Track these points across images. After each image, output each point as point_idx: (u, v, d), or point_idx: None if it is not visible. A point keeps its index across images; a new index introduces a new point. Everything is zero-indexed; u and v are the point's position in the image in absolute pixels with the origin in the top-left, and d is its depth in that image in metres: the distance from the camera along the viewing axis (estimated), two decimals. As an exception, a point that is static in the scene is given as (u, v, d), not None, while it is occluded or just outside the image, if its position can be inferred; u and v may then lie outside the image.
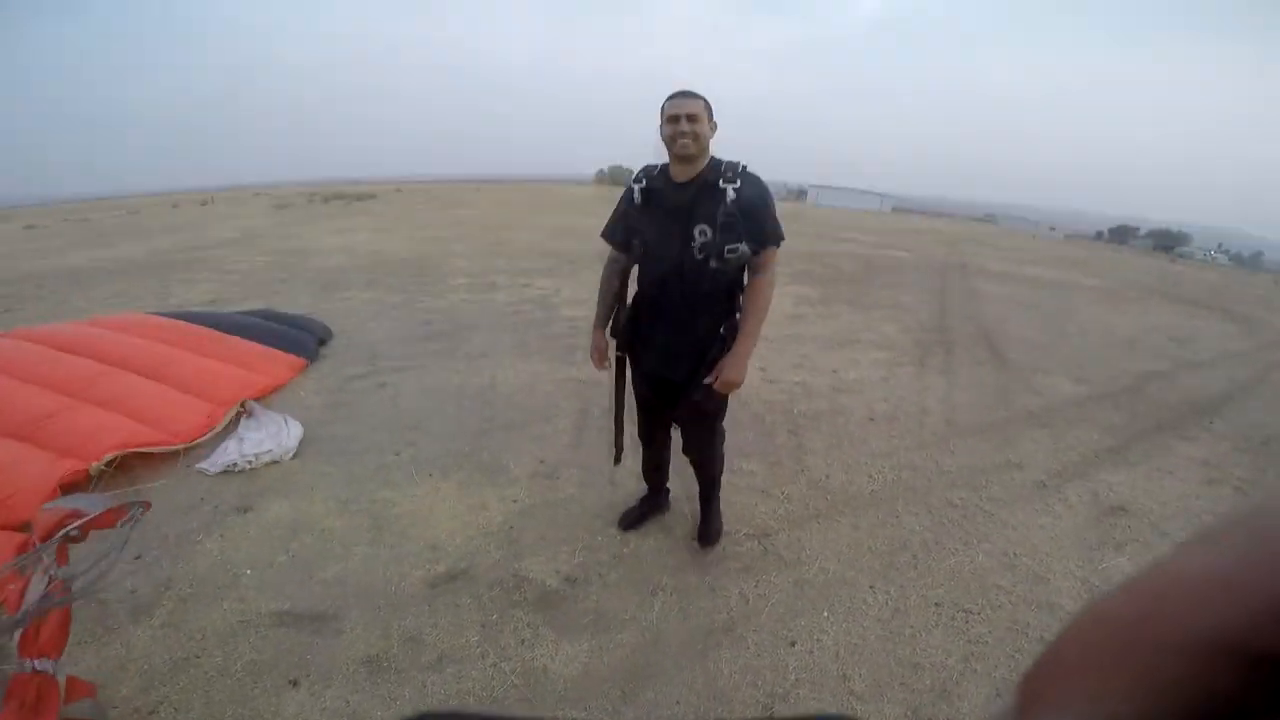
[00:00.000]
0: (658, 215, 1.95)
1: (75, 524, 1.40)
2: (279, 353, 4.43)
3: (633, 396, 2.31)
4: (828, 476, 3.19)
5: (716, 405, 2.10)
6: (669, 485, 2.74)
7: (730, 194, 1.82)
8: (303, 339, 4.77)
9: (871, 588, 2.39)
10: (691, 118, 1.82)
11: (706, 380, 1.89)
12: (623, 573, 2.38)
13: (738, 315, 1.96)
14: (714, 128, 1.89)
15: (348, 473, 3.07)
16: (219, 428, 3.39)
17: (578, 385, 4.21)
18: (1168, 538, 2.93)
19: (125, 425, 3.13)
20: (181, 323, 4.61)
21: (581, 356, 4.68)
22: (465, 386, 4.13)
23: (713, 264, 1.83)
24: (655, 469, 2.60)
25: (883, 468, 3.34)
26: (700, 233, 1.83)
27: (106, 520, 1.48)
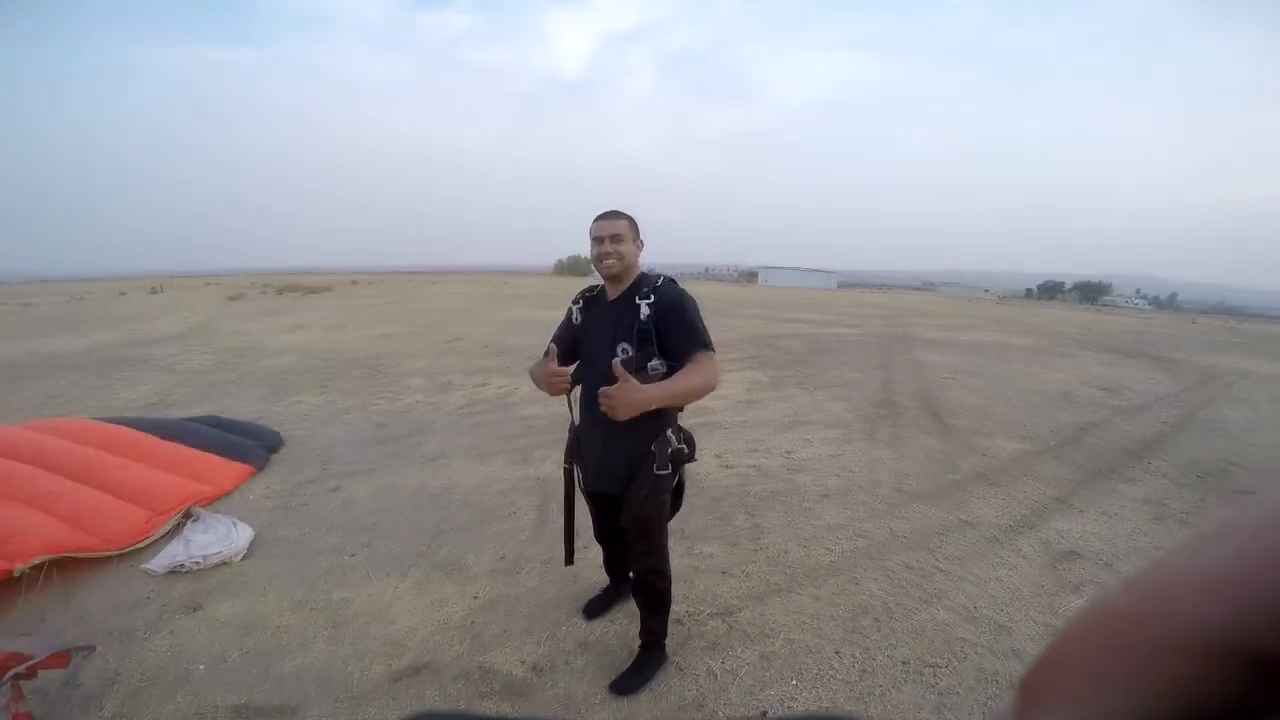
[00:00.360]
0: (591, 334, 2.00)
1: (21, 666, 1.37)
2: (225, 460, 4.32)
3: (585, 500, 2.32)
4: (786, 552, 3.24)
5: (654, 513, 2.00)
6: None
7: (644, 310, 1.82)
8: (250, 447, 4.65)
9: (837, 653, 2.42)
10: (615, 238, 1.89)
11: (600, 402, 1.74)
12: (590, 658, 2.35)
13: (669, 432, 1.94)
14: (640, 246, 1.97)
15: (301, 573, 3.00)
16: (158, 533, 3.30)
17: (535, 483, 4.19)
18: (1121, 577, 3.06)
19: (55, 527, 3.04)
20: (122, 428, 4.48)
21: (539, 454, 4.73)
22: (421, 489, 4.07)
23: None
24: (614, 563, 2.63)
25: (839, 539, 3.41)
26: (622, 350, 1.84)
27: (53, 663, 1.44)
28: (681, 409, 1.98)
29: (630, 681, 2.19)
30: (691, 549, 3.24)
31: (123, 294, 27.89)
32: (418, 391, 7.04)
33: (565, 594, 2.80)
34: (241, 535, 3.26)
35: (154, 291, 27.40)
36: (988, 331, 17.82)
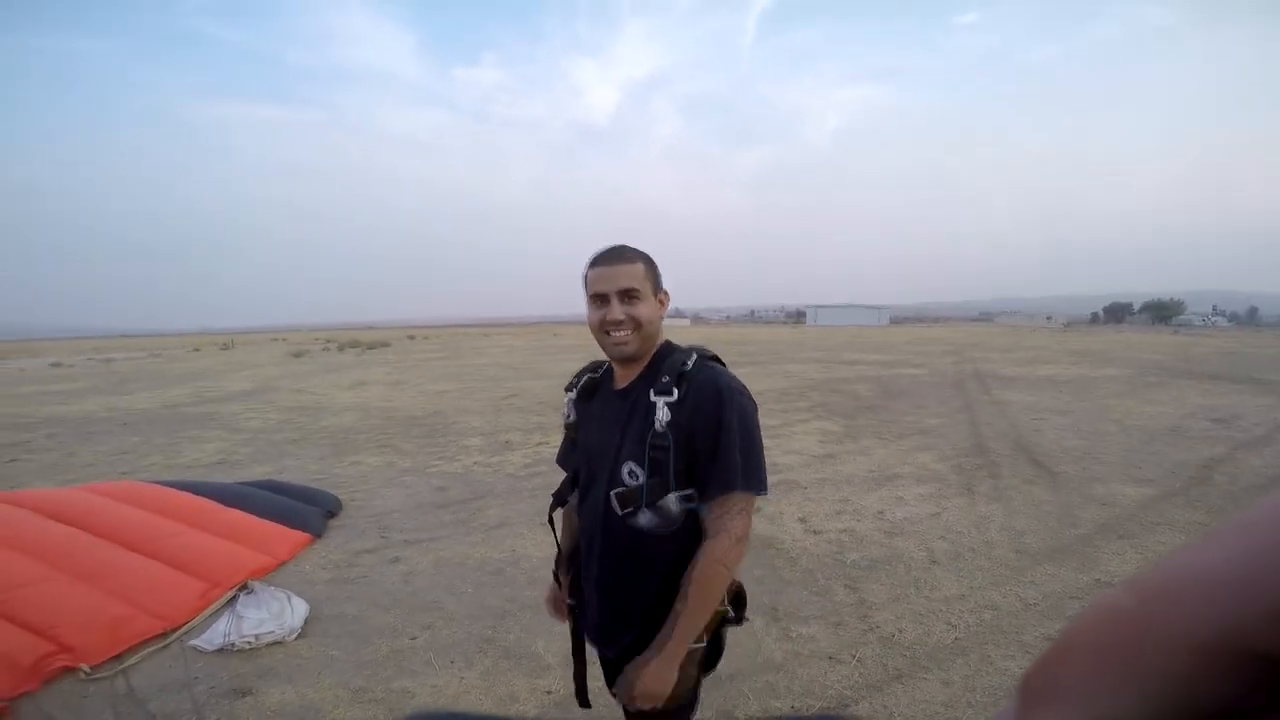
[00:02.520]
0: (590, 439, 1.34)
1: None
2: (283, 529, 4.17)
3: None
4: (900, 630, 2.80)
5: (675, 700, 1.18)
6: None
7: (662, 411, 1.14)
8: (309, 513, 4.51)
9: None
10: (628, 295, 1.20)
11: (613, 691, 1.24)
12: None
13: None
14: (664, 301, 1.28)
15: (358, 657, 2.75)
16: (214, 608, 3.14)
17: (605, 554, 3.86)
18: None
19: (109, 605, 2.94)
20: (182, 493, 4.40)
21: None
22: (485, 561, 3.79)
23: (643, 520, 1.16)
24: None
25: (960, 612, 2.96)
26: (629, 474, 1.18)
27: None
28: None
29: None
30: (788, 631, 2.83)
31: (196, 350, 29.37)
32: (476, 452, 6.84)
33: (650, 688, 2.43)
34: (297, 612, 3.05)
35: (225, 348, 28.75)
36: (1064, 364, 16.75)
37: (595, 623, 1.34)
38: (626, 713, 1.27)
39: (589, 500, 1.30)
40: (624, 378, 1.29)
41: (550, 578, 1.54)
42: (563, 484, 1.44)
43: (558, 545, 1.50)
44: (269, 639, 2.85)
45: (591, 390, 1.37)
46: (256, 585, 3.27)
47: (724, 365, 1.26)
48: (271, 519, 4.26)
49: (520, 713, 2.33)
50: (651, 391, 1.18)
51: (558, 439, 6.33)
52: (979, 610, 2.96)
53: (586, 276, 1.24)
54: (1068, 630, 0.19)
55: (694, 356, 1.22)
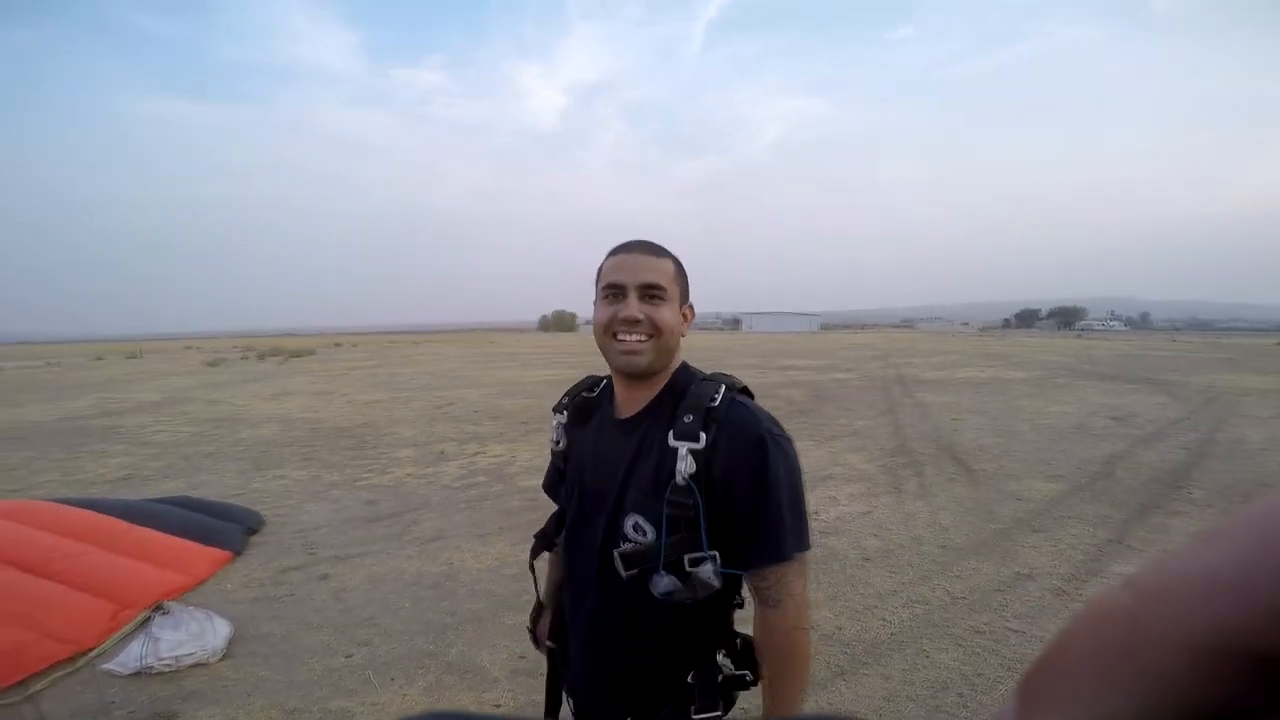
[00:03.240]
0: (582, 478, 1.09)
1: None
2: (199, 546, 3.93)
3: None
4: (839, 628, 2.89)
5: None
6: None
7: (686, 460, 0.91)
8: (227, 530, 4.26)
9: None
10: (650, 290, 0.98)
11: None
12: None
13: (723, 655, 1.00)
14: (688, 316, 1.07)
15: (290, 677, 2.61)
16: (125, 631, 2.94)
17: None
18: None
19: (7, 634, 2.70)
20: (84, 512, 4.07)
21: (550, 531, 4.33)
22: (421, 575, 3.66)
23: (660, 583, 0.91)
24: None
25: (894, 607, 3.08)
26: (635, 528, 0.96)
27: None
28: (739, 604, 1.05)
29: None
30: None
31: (100, 358, 27.22)
32: (409, 463, 6.60)
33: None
34: (219, 632, 2.88)
35: (132, 356, 26.73)
36: (981, 367, 17.76)
37: (581, 681, 1.13)
38: None
39: (581, 549, 1.08)
40: (629, 403, 1.05)
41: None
42: (549, 522, 1.23)
43: (537, 594, 1.29)
44: (190, 661, 2.68)
45: (585, 413, 1.14)
46: (172, 606, 3.07)
47: (754, 398, 1.02)
48: (186, 537, 4.00)
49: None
50: (671, 434, 0.94)
51: (494, 450, 6.15)
52: (911, 605, 3.08)
53: (602, 267, 1.03)
54: (1065, 630, 0.18)
55: (722, 389, 0.97)
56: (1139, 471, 5.64)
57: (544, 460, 4.67)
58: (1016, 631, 2.78)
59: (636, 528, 0.96)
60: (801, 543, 0.94)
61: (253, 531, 4.45)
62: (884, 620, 2.94)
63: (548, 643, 1.23)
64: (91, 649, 2.78)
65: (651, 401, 1.02)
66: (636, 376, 1.01)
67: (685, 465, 0.90)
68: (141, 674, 2.60)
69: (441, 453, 7.07)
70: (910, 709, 2.28)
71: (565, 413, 1.15)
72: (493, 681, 2.56)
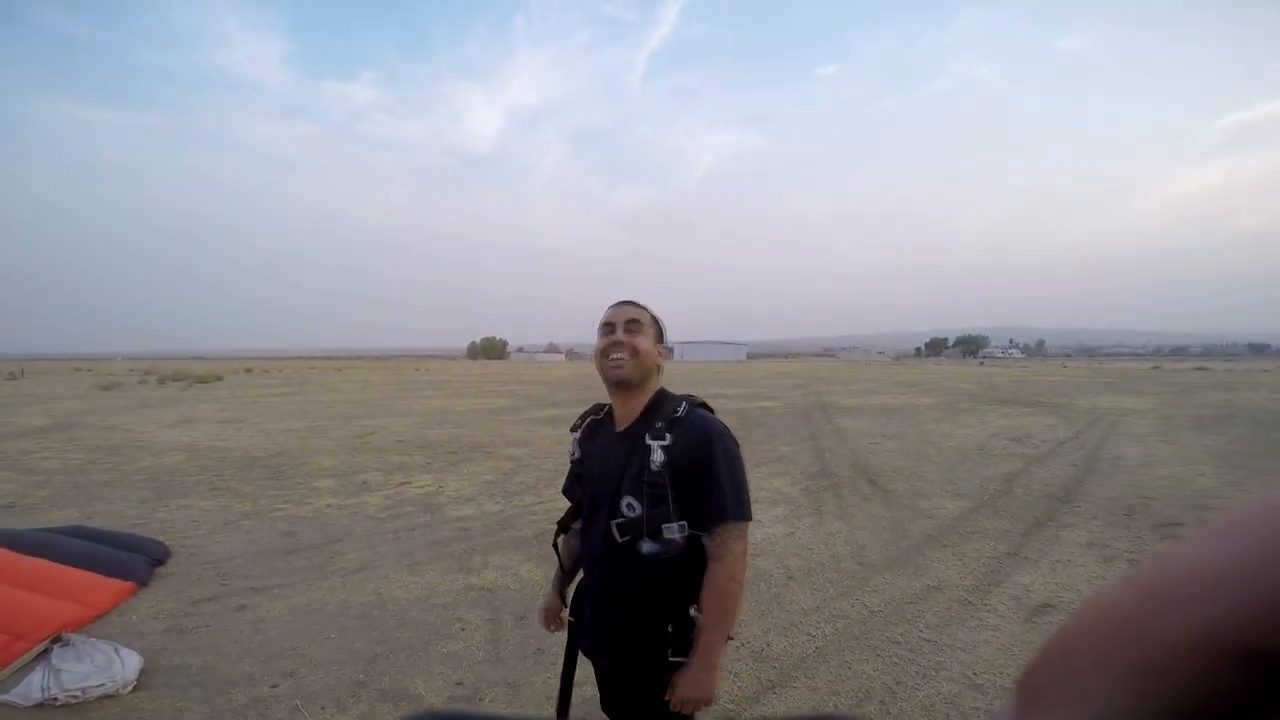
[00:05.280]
0: (593, 478, 1.46)
1: None
2: (99, 577, 3.68)
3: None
4: (768, 645, 3.01)
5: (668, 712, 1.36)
6: None
7: (657, 453, 1.30)
8: (130, 561, 3.99)
9: (816, 710, 2.28)
10: (631, 325, 1.39)
11: (667, 698, 1.33)
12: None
13: (692, 610, 1.33)
14: (663, 355, 1.47)
15: (212, 708, 2.49)
16: (20, 663, 2.75)
17: (481, 594, 3.72)
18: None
19: None
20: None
21: (479, 560, 4.26)
22: (347, 606, 3.54)
23: (645, 547, 1.30)
24: None
25: (817, 622, 3.23)
26: (627, 507, 1.33)
27: None
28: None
29: None
30: (666, 652, 2.96)
31: (-29, 379, 24.61)
32: (329, 494, 6.32)
33: None
34: (128, 663, 2.71)
35: (13, 376, 24.25)
36: (894, 394, 18.76)
37: (592, 636, 1.46)
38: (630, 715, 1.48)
39: (592, 529, 1.43)
40: (623, 419, 1.42)
41: (542, 597, 1.71)
42: (566, 513, 1.58)
43: (560, 566, 1.64)
44: (98, 692, 2.53)
45: (594, 431, 1.51)
46: (72, 637, 2.88)
47: (711, 410, 1.42)
48: (83, 567, 3.74)
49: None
50: (646, 435, 1.32)
51: (422, 480, 6.07)
52: (833, 620, 3.24)
53: (603, 316, 1.45)
54: (1064, 628, 0.19)
55: (684, 405, 1.36)
56: (1033, 488, 6.13)
57: (471, 490, 4.70)
58: (929, 641, 2.97)
59: (629, 505, 1.32)
60: (741, 512, 1.29)
61: (158, 562, 4.18)
62: (809, 635, 3.09)
63: (568, 617, 1.58)
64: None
65: (639, 416, 1.39)
66: (623, 386, 1.38)
67: (657, 456, 1.29)
68: (45, 705, 2.46)
69: (364, 483, 6.81)
70: (837, 718, 2.42)
71: (580, 432, 1.54)
72: (429, 709, 2.51)
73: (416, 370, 36.44)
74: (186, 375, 27.88)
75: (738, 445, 1.36)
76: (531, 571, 4.02)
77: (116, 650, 2.78)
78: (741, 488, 1.31)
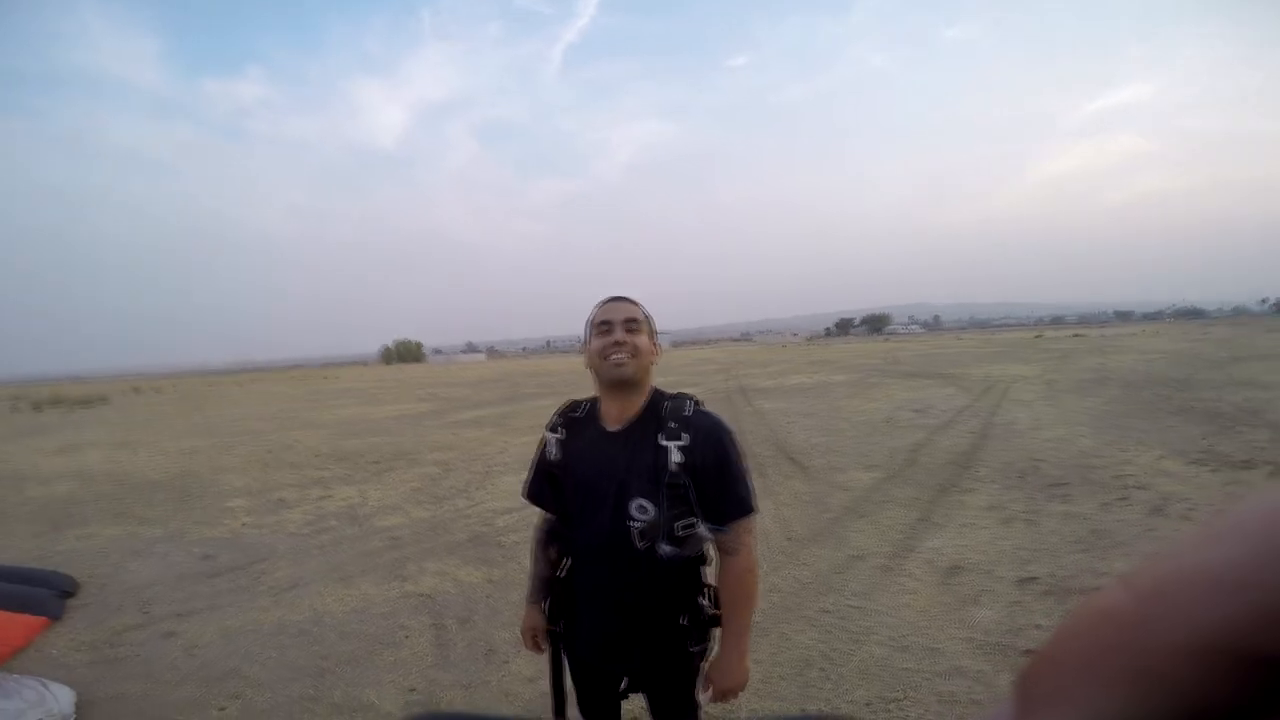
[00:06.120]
0: (584, 478, 1.42)
1: None
2: (4, 613, 3.46)
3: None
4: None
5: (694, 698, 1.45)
6: None
7: (675, 454, 1.29)
8: (35, 595, 3.75)
9: (803, 710, 2.42)
10: (630, 323, 1.36)
11: (701, 697, 1.40)
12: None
13: (702, 599, 1.40)
14: (658, 350, 1.45)
15: (160, 737, 2.40)
16: None
17: (420, 600, 3.69)
18: (1004, 580, 3.44)
19: None
20: None
21: (414, 567, 4.22)
22: (283, 623, 3.45)
23: (664, 549, 1.31)
24: None
25: (754, 597, 3.44)
26: (639, 509, 1.31)
27: None
28: (707, 562, 1.42)
29: None
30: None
31: None
32: (243, 513, 6.02)
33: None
34: (61, 698, 2.59)
35: None
36: (808, 373, 19.62)
37: (601, 641, 1.45)
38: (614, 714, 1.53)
39: (588, 532, 1.40)
40: (616, 418, 1.39)
41: (520, 610, 1.63)
42: (549, 520, 1.55)
43: (538, 576, 1.58)
44: None
45: (578, 426, 1.46)
46: (-2, 673, 2.71)
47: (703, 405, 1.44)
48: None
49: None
50: (660, 436, 1.31)
51: (343, 493, 5.93)
52: (768, 594, 3.44)
53: (592, 316, 1.41)
54: (1063, 630, 0.19)
55: (690, 403, 1.37)
56: (936, 456, 6.65)
57: (397, 499, 4.64)
58: (856, 608, 3.21)
59: (640, 509, 1.30)
60: (754, 506, 1.34)
61: (68, 595, 3.94)
62: (745, 609, 3.29)
63: (550, 627, 1.53)
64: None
65: (637, 416, 1.37)
66: (623, 387, 1.35)
67: (676, 458, 1.28)
68: None
69: (281, 500, 6.49)
70: (784, 687, 2.59)
71: (561, 431, 1.46)
72: (386, 716, 2.53)
73: (326, 379, 34.70)
74: (65, 399, 25.39)
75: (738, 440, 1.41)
76: (470, 574, 4.04)
77: (45, 685, 2.65)
78: (750, 483, 1.36)
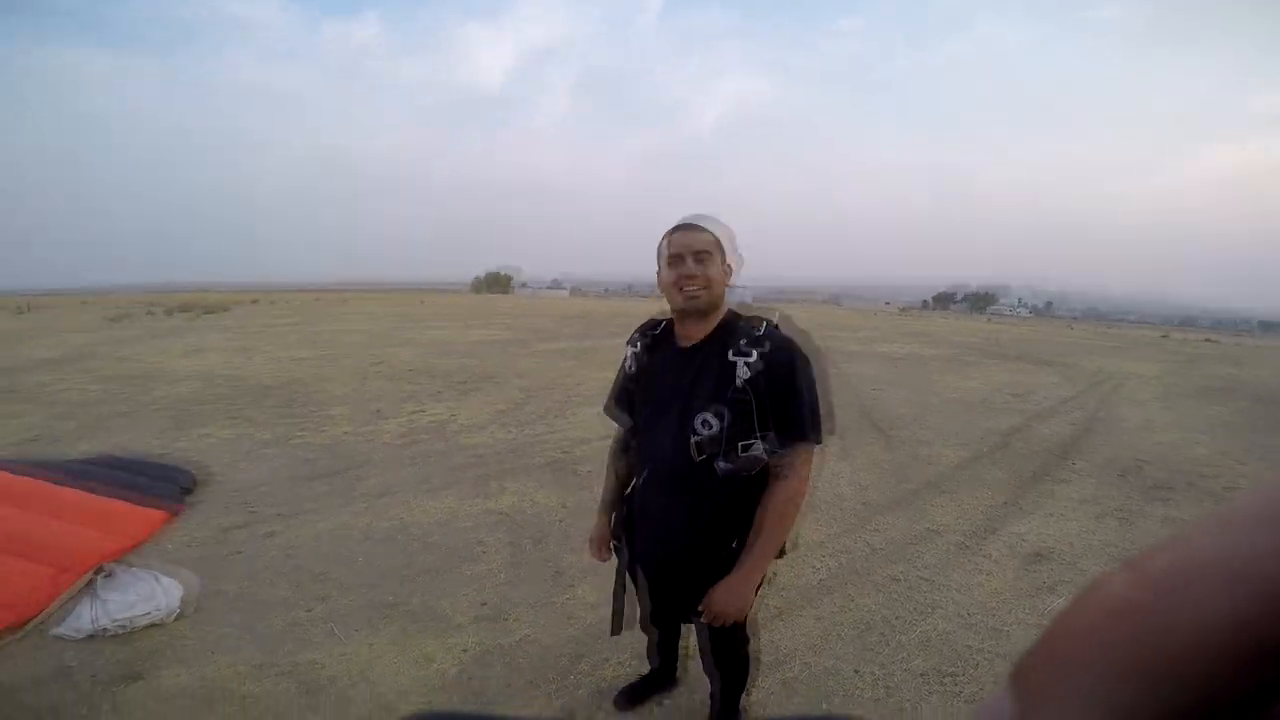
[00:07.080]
0: (654, 391, 1.47)
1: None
2: (134, 507, 3.79)
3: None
4: (775, 574, 3.16)
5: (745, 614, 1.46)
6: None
7: (742, 369, 1.31)
8: (162, 489, 4.13)
9: (856, 672, 2.40)
10: (700, 256, 1.36)
11: (700, 609, 1.41)
12: (610, 709, 2.18)
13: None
14: (730, 269, 1.43)
15: (252, 633, 2.65)
16: (68, 595, 2.85)
17: (500, 518, 3.88)
18: (1087, 574, 3.26)
19: None
20: (1, 473, 3.87)
21: (495, 486, 4.42)
22: (371, 530, 3.70)
23: (721, 465, 1.33)
24: (662, 652, 2.11)
25: (822, 556, 3.39)
26: (703, 424, 1.33)
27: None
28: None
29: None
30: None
31: (-18, 312, 24.68)
32: (344, 422, 6.46)
33: (564, 639, 2.59)
34: (170, 592, 2.84)
35: (20, 311, 24.23)
36: (900, 344, 18.76)
37: (654, 554, 1.51)
38: (677, 620, 1.62)
39: (652, 443, 1.46)
40: (689, 337, 1.43)
41: (594, 520, 1.74)
42: (624, 430, 1.62)
43: (611, 487, 1.68)
44: (145, 621, 2.66)
45: (652, 346, 1.52)
46: (115, 568, 3.01)
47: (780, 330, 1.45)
48: (117, 497, 3.86)
49: (441, 670, 2.40)
50: (730, 352, 1.33)
51: (434, 409, 6.21)
52: (837, 555, 3.41)
53: (663, 243, 1.42)
54: (1064, 619, 0.18)
55: (764, 323, 1.40)
56: (1032, 443, 6.24)
57: (485, 418, 4.80)
58: (927, 580, 3.14)
59: (704, 423, 1.34)
60: (815, 435, 1.35)
61: (187, 491, 4.32)
62: (814, 568, 3.26)
63: (613, 541, 1.65)
64: (35, 615, 2.69)
65: (707, 336, 1.41)
66: (696, 314, 1.39)
67: (743, 373, 1.31)
68: (95, 637, 2.57)
69: (378, 411, 6.93)
70: (842, 646, 2.57)
71: (637, 345, 1.53)
72: (457, 627, 2.69)
73: (421, 303, 36.35)
74: (194, 306, 27.87)
75: (814, 369, 1.41)
76: (546, 497, 4.22)
77: (158, 579, 2.91)
78: (817, 411, 1.37)
